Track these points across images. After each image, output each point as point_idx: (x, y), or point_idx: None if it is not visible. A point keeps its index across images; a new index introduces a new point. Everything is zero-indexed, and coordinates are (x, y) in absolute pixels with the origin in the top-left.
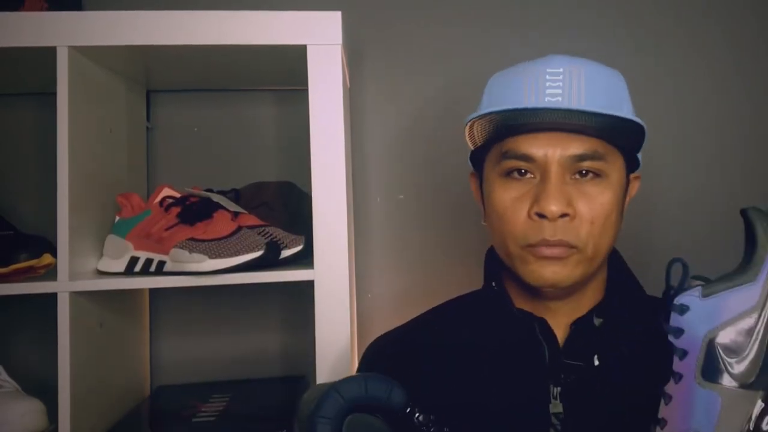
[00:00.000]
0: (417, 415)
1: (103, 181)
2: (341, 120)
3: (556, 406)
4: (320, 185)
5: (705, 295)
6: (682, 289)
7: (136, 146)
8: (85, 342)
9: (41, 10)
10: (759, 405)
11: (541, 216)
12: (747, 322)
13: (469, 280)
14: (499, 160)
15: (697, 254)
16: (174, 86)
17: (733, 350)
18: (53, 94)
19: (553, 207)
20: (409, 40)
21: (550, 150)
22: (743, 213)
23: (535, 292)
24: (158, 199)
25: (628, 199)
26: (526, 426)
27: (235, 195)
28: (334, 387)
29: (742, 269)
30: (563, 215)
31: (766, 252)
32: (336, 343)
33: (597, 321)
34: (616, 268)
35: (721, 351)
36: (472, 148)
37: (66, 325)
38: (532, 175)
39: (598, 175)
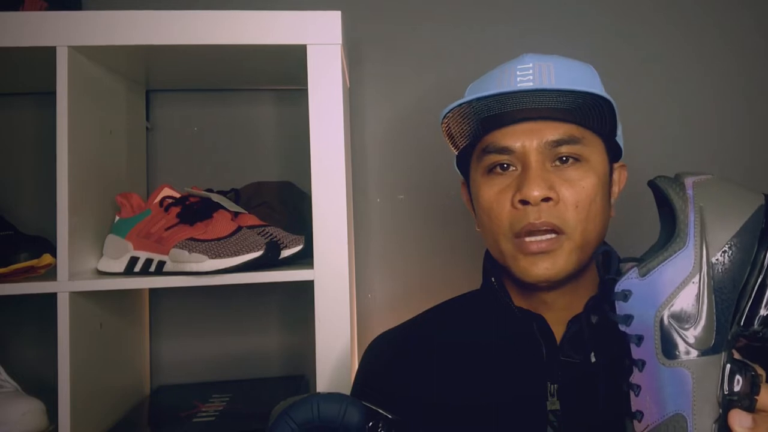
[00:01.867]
0: (379, 430)
1: (103, 181)
2: (341, 120)
3: (554, 404)
4: (320, 185)
5: (643, 275)
6: (616, 275)
7: (136, 146)
8: (85, 342)
9: (41, 9)
10: (725, 367)
11: (525, 203)
12: (691, 289)
13: (469, 280)
14: (481, 158)
15: None
16: (174, 86)
17: (685, 320)
18: (53, 94)
19: (535, 192)
20: (408, 40)
21: (527, 140)
22: (651, 184)
23: (531, 287)
24: (158, 199)
25: (616, 189)
26: (523, 423)
27: (235, 195)
28: (285, 411)
29: (669, 238)
30: (546, 199)
31: (685, 215)
32: (336, 343)
33: (593, 318)
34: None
35: (674, 325)
36: (455, 151)
37: (66, 325)
38: (515, 168)
39: (577, 159)
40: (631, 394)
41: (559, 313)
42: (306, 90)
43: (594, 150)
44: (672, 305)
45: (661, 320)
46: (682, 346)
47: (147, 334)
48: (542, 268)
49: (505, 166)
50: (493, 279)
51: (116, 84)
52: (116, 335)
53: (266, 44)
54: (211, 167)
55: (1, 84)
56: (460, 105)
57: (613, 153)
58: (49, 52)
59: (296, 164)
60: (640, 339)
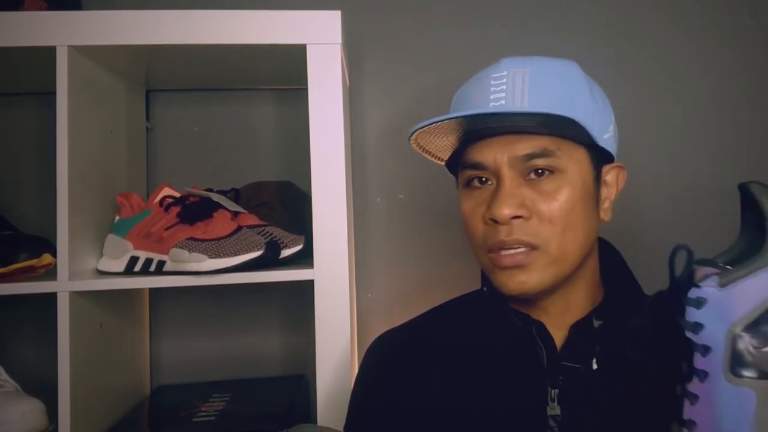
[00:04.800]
0: None
1: (103, 180)
2: (341, 119)
3: (554, 409)
4: (320, 185)
5: (722, 285)
6: (689, 278)
7: (136, 146)
8: (85, 342)
9: (41, 9)
10: None
11: (494, 221)
12: None
13: (470, 280)
14: (461, 172)
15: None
16: (174, 86)
17: (762, 341)
18: (53, 94)
19: (505, 210)
20: (408, 39)
21: (498, 154)
22: (744, 188)
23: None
24: (158, 198)
25: (614, 191)
26: (523, 427)
27: (235, 195)
28: None
29: (752, 247)
30: (516, 217)
31: None
32: (336, 343)
33: (596, 323)
34: (613, 266)
35: (748, 343)
36: (440, 163)
37: (66, 325)
38: (491, 182)
39: (552, 171)
40: (686, 401)
41: (556, 319)
42: (306, 90)
43: (571, 160)
44: (750, 322)
45: (735, 336)
46: (753, 366)
47: (147, 334)
48: (517, 282)
49: (483, 180)
50: (485, 288)
51: (116, 84)
52: (116, 335)
53: (266, 44)
54: (211, 167)
55: (1, 84)
56: (429, 125)
57: (602, 157)
58: (49, 52)
59: (296, 164)
60: (707, 350)
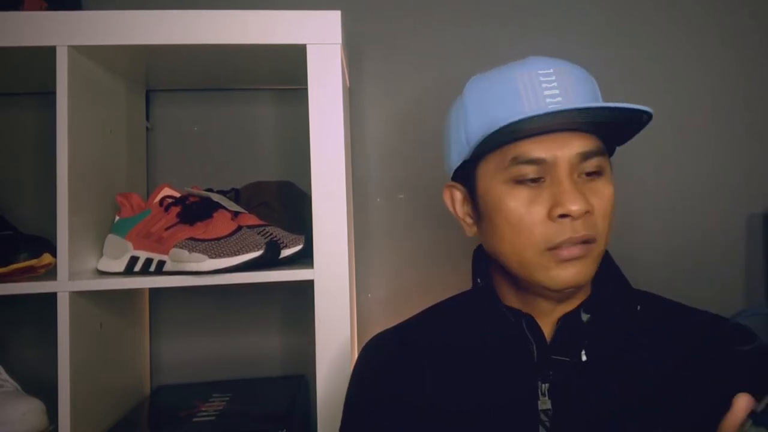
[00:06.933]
0: None
1: (103, 180)
2: (341, 119)
3: (545, 403)
4: (320, 185)
5: None
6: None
7: (136, 146)
8: (85, 342)
9: (41, 9)
10: None
11: (565, 216)
12: None
13: (469, 279)
14: (506, 168)
15: (688, 250)
16: (174, 86)
17: None
18: (53, 94)
19: (577, 206)
20: (408, 39)
21: (559, 151)
22: None
23: (535, 291)
24: (158, 198)
25: None
26: (514, 423)
27: (235, 195)
28: None
29: None
30: (585, 212)
31: None
32: (336, 343)
33: (585, 317)
34: (603, 262)
35: None
36: (460, 160)
37: (66, 325)
38: (543, 179)
39: (599, 173)
40: None
41: (549, 314)
42: (306, 90)
43: (607, 161)
44: None
45: None
46: None
47: (147, 334)
48: (572, 273)
49: (534, 177)
50: (479, 280)
51: (116, 84)
52: (116, 335)
53: (266, 44)
54: (211, 167)
55: (1, 84)
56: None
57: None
58: (49, 52)
59: (296, 164)
60: None
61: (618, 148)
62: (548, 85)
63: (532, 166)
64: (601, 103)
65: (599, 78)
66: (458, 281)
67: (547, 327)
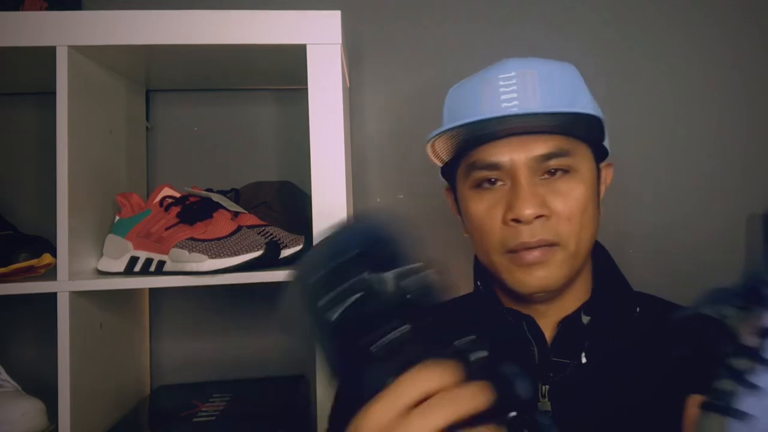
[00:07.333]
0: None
1: (103, 180)
2: (341, 119)
3: (545, 405)
4: (320, 185)
5: None
6: (729, 342)
7: (136, 146)
8: (85, 342)
9: (41, 9)
10: None
11: (517, 221)
12: None
13: (469, 279)
14: (468, 173)
15: (685, 250)
16: (174, 86)
17: None
18: (53, 94)
19: (527, 210)
20: (408, 39)
21: (515, 155)
22: None
23: (522, 297)
24: (158, 198)
25: (603, 188)
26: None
27: (235, 195)
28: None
29: None
30: (538, 216)
31: None
32: None
33: (585, 319)
34: (601, 264)
35: None
36: (440, 164)
37: (66, 325)
38: (503, 182)
39: (567, 171)
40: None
41: (549, 317)
42: (306, 90)
43: (582, 158)
44: None
45: None
46: None
47: (147, 334)
48: (537, 278)
49: (493, 180)
50: (479, 282)
51: (116, 84)
52: (116, 335)
53: (266, 44)
54: (211, 167)
55: (1, 84)
56: (455, 127)
57: (601, 155)
58: (49, 52)
59: (296, 164)
60: None
61: (616, 148)
62: (506, 89)
63: (489, 171)
64: (538, 109)
65: (599, 78)
66: (458, 280)
67: (548, 329)
